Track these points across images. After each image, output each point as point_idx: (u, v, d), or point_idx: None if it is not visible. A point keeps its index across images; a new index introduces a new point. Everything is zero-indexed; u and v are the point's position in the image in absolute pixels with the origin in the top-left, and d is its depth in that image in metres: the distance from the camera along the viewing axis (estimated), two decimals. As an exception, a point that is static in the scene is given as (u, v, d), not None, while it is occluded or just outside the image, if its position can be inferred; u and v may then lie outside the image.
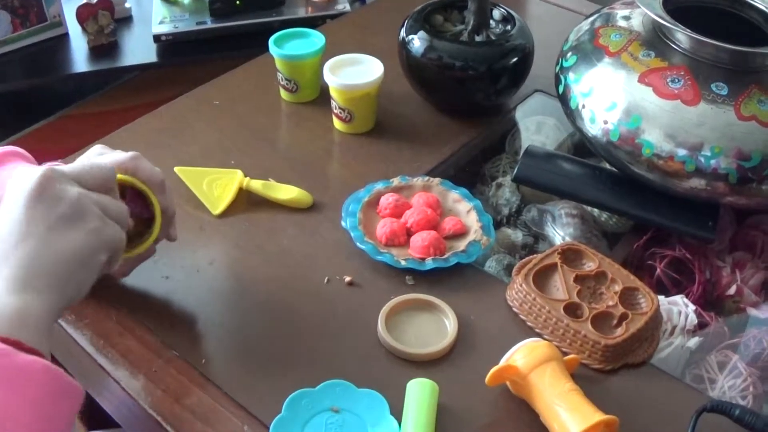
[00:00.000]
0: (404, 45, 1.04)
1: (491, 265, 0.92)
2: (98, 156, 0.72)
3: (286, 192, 0.91)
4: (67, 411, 0.55)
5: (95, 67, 1.78)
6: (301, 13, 1.84)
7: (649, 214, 0.91)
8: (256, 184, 0.92)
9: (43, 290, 0.57)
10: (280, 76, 1.08)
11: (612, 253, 0.91)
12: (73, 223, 0.60)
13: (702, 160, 0.82)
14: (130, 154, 0.72)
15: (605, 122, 0.87)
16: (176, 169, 0.93)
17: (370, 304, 0.78)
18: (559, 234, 0.95)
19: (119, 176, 0.70)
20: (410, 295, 0.79)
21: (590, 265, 0.81)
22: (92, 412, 1.08)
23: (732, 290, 0.90)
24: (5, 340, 0.53)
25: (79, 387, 0.56)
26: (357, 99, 1.00)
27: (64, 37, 1.86)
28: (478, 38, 1.03)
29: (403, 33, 1.05)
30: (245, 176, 0.92)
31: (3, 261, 0.57)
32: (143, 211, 0.73)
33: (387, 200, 0.88)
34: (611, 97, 0.86)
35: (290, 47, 1.06)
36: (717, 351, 0.84)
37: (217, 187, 0.92)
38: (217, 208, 0.90)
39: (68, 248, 0.59)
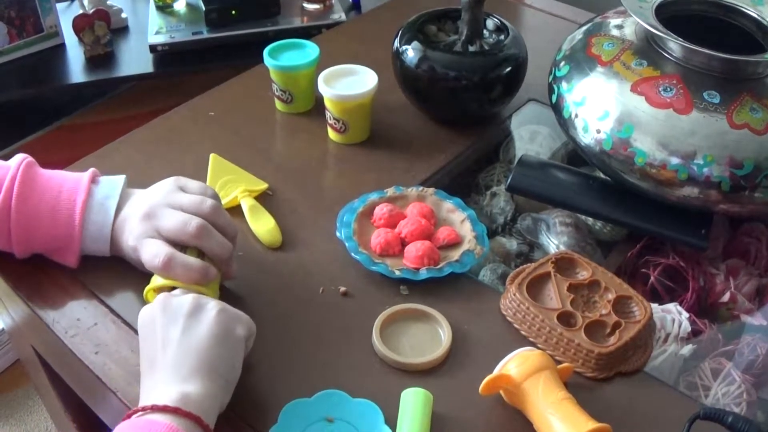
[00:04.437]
0: (398, 55, 1.05)
1: (485, 275, 0.92)
2: (171, 193, 0.77)
3: (263, 224, 0.89)
4: None
5: (91, 78, 1.78)
6: (297, 22, 1.84)
7: (642, 222, 0.91)
8: (248, 202, 0.91)
9: (196, 380, 0.63)
10: (274, 86, 1.08)
11: (606, 262, 0.92)
12: (198, 315, 0.67)
13: (695, 168, 0.82)
14: (195, 227, 0.74)
15: (598, 131, 0.87)
16: (212, 155, 0.97)
17: (365, 314, 0.78)
18: (554, 243, 0.95)
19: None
20: (404, 305, 0.79)
21: (583, 274, 0.82)
22: (90, 423, 1.08)
23: (726, 297, 0.90)
24: (167, 409, 0.60)
25: None
26: (351, 109, 1.01)
27: (61, 47, 1.86)
28: (471, 48, 1.04)
29: (397, 43, 1.06)
30: (246, 191, 0.93)
31: (159, 370, 0.64)
32: None
33: (381, 210, 0.89)
34: (604, 106, 0.87)
35: (285, 58, 1.06)
36: (711, 358, 0.84)
37: (224, 188, 0.92)
38: None
39: (203, 337, 0.65)
